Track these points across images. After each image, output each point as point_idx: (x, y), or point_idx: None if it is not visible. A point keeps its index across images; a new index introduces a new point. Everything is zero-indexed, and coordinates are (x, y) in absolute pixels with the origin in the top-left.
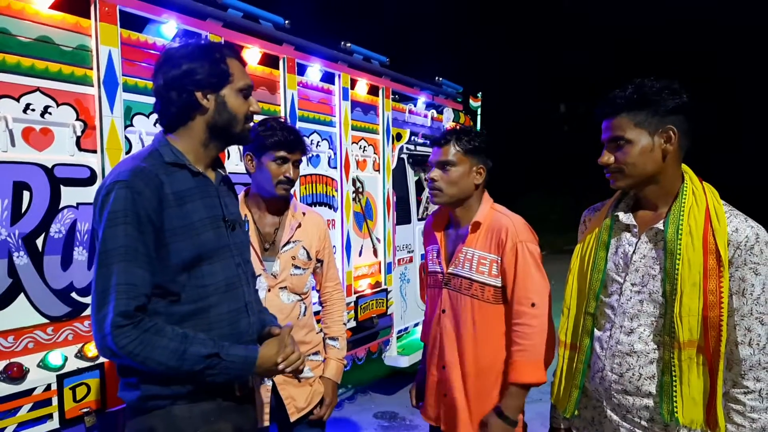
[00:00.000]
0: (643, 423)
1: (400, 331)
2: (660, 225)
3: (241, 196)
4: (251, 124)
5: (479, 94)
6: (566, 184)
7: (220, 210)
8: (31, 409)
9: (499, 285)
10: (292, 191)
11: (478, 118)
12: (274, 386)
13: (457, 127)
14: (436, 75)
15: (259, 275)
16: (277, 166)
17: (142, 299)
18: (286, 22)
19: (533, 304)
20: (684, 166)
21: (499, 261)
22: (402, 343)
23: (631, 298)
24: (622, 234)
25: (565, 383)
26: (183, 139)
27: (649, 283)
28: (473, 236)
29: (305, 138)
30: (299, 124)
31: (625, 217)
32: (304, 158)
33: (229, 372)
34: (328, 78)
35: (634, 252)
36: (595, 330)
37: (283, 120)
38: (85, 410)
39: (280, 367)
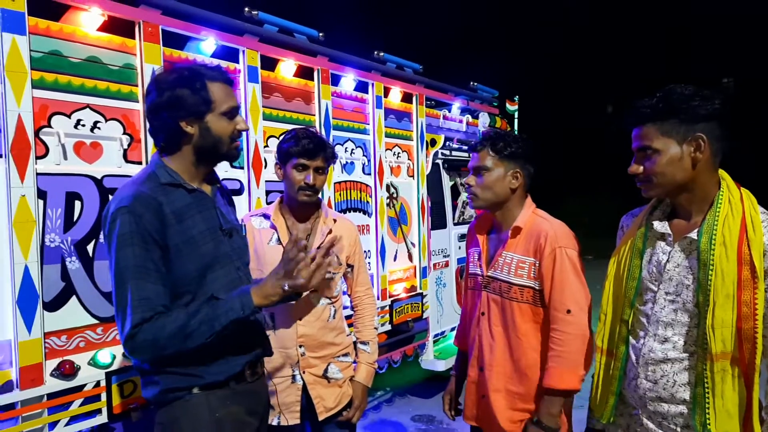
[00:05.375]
0: (679, 430)
1: (436, 335)
2: (694, 234)
3: (276, 202)
4: (238, 141)
5: (516, 98)
6: (615, 187)
7: (217, 220)
8: (81, 404)
9: (538, 288)
10: (325, 198)
11: (515, 121)
12: (304, 386)
13: (495, 132)
14: (472, 78)
15: None
16: (298, 173)
17: (159, 309)
18: (320, 34)
19: (569, 311)
20: (721, 172)
21: (537, 264)
22: (439, 347)
23: (665, 307)
24: (656, 242)
25: (602, 389)
26: (176, 160)
27: (682, 293)
28: (513, 241)
29: (334, 145)
30: (333, 133)
31: (659, 226)
32: (334, 165)
33: (233, 309)
34: (361, 87)
35: (667, 261)
36: (630, 338)
37: (312, 129)
38: (132, 406)
39: (286, 285)
